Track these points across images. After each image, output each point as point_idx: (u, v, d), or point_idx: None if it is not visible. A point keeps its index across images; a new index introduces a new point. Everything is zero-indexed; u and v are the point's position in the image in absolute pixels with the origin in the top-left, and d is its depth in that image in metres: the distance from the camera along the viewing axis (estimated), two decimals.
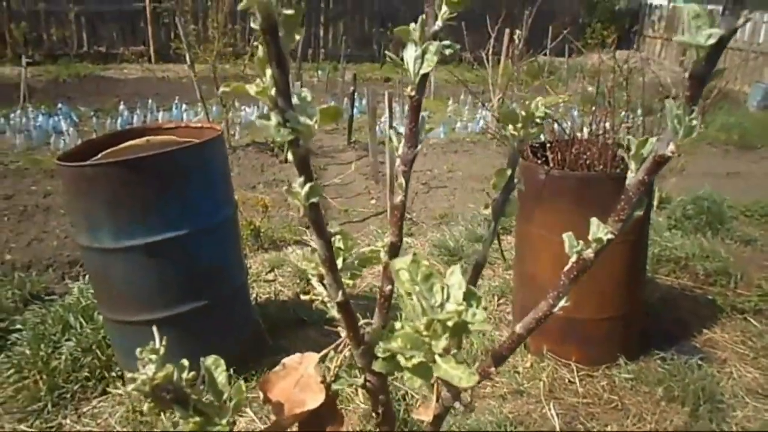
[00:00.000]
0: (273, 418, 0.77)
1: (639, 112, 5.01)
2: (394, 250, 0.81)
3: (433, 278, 0.56)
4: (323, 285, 0.72)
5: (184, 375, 0.63)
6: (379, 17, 12.89)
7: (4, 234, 4.41)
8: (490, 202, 0.83)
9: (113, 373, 2.76)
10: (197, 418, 0.62)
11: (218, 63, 6.70)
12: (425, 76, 0.70)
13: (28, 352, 2.80)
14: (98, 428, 2.52)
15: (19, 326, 3.02)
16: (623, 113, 3.22)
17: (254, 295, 3.40)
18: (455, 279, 0.56)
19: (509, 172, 0.80)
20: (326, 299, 0.72)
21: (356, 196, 5.31)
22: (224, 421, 0.63)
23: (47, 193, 5.25)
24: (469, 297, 0.55)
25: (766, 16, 11.50)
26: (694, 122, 0.56)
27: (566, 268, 0.72)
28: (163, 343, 0.63)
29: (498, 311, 3.33)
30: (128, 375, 0.63)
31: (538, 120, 0.75)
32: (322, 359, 0.80)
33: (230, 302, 2.74)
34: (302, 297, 0.71)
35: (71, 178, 2.44)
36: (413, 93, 0.72)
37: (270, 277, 3.70)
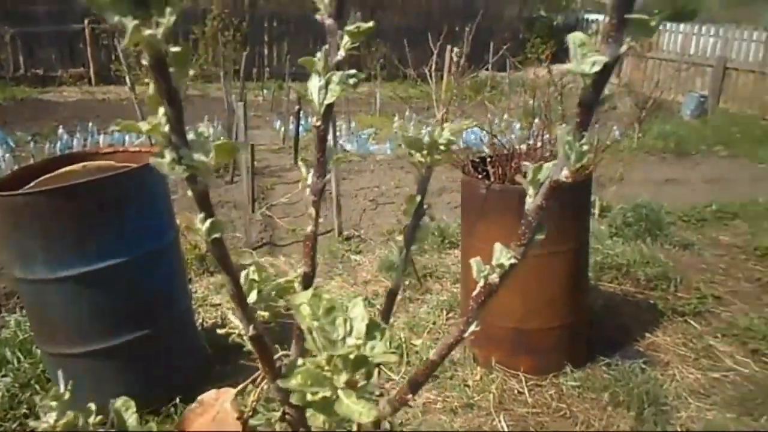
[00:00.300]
0: None
1: None
2: (307, 281, 0.80)
3: (336, 312, 0.55)
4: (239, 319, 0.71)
5: (91, 420, 0.61)
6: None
7: None
8: (402, 229, 0.83)
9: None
10: None
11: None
12: (330, 106, 0.70)
13: None
14: None
15: None
16: (561, 125, 3.29)
17: (200, 320, 3.33)
18: (358, 311, 0.56)
19: (419, 198, 0.81)
20: (242, 332, 0.71)
21: (303, 215, 5.27)
22: None
23: None
24: (373, 329, 0.55)
25: (696, 28, 12.00)
26: (585, 147, 0.57)
27: (474, 294, 0.73)
28: (69, 387, 0.61)
29: (447, 325, 3.35)
30: (30, 423, 0.61)
31: (442, 147, 0.75)
32: (240, 393, 0.79)
33: (174, 329, 2.68)
34: (218, 331, 0.69)
35: (2, 207, 2.36)
36: (319, 123, 0.72)
37: (216, 300, 3.63)
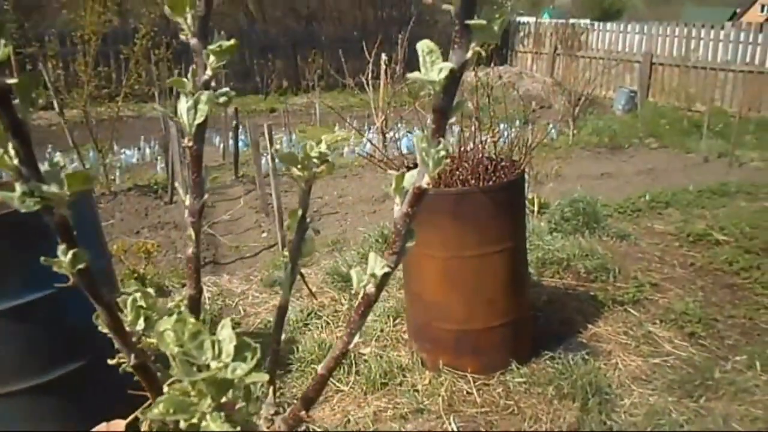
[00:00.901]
0: None
1: (516, 123, 5.25)
2: (194, 303, 0.79)
3: (202, 335, 0.55)
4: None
5: None
6: (259, 49, 12.82)
7: None
8: (287, 244, 0.83)
9: None
10: None
11: (92, 106, 6.44)
12: (202, 125, 0.70)
13: None
14: None
15: None
16: (497, 126, 3.35)
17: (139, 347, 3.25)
18: (226, 333, 0.55)
19: (300, 212, 0.81)
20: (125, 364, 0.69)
21: (246, 231, 5.21)
22: None
23: None
24: (243, 349, 0.54)
25: (623, 26, 12.41)
26: (442, 153, 0.58)
27: (356, 304, 0.73)
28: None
29: (394, 331, 3.35)
30: None
31: (316, 161, 0.75)
32: (131, 425, 0.76)
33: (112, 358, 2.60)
34: (109, 361, 0.67)
35: None
36: (191, 143, 0.71)
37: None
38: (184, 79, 0.67)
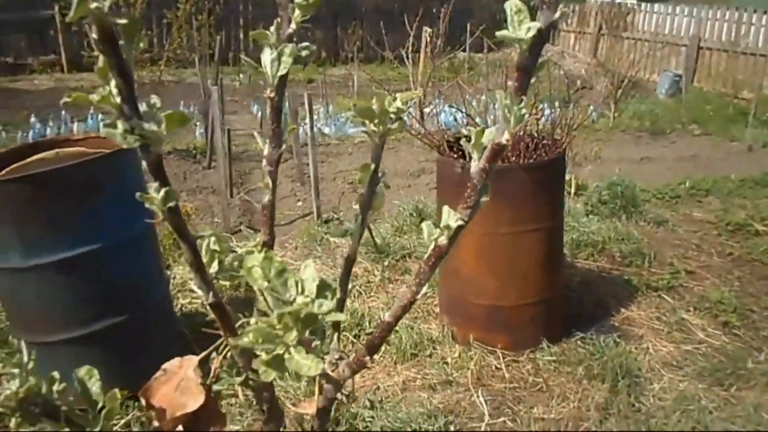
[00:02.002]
0: (155, 424, 0.77)
1: (557, 103, 5.19)
2: (267, 249, 0.81)
3: (287, 273, 0.57)
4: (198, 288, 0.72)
5: (55, 387, 0.62)
6: None
7: None
8: (357, 197, 0.85)
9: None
10: (67, 430, 0.61)
11: (134, 70, 6.52)
12: (284, 77, 0.71)
13: None
14: None
15: None
16: (539, 104, 3.33)
17: (179, 306, 3.34)
18: (309, 273, 0.57)
19: (373, 166, 0.82)
20: (204, 301, 0.72)
21: (282, 198, 5.27)
22: (96, 430, 0.63)
23: None
24: (324, 289, 0.56)
25: (670, 8, 12.08)
26: (523, 111, 0.59)
27: (425, 256, 0.75)
28: (32, 357, 0.62)
29: (425, 304, 3.38)
30: None
31: (392, 116, 0.77)
32: (203, 361, 0.80)
33: (151, 316, 2.68)
34: (181, 301, 0.70)
35: None
36: (273, 94, 0.73)
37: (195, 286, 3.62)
38: (268, 32, 0.69)
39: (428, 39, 6.68)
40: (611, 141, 7.06)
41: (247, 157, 6.48)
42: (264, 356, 0.53)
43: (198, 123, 7.16)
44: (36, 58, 11.66)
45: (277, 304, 0.54)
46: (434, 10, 9.85)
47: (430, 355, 2.97)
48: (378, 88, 7.31)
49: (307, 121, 4.60)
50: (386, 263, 3.82)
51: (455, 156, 2.96)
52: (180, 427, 0.77)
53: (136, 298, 2.59)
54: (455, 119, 6.16)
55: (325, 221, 4.59)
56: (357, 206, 0.85)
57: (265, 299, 0.55)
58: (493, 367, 2.89)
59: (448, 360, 2.93)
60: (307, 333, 0.54)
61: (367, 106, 0.76)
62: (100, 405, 0.66)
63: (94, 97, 0.55)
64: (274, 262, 0.57)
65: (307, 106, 4.34)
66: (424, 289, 0.73)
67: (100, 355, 2.51)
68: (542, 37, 0.55)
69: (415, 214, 4.47)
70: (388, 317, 0.74)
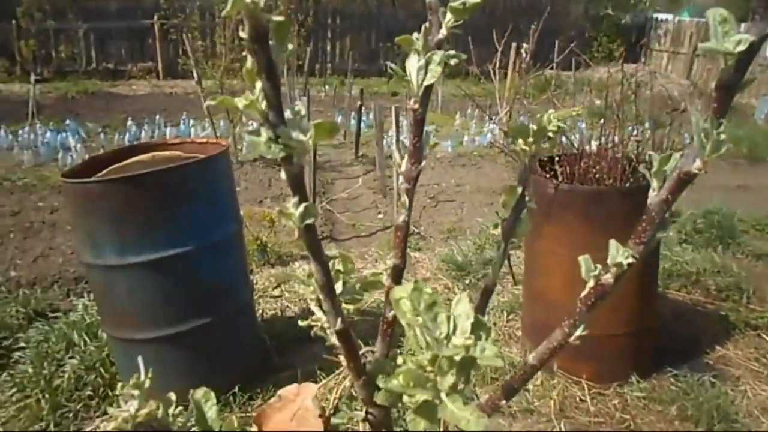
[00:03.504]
0: None
1: (647, 125, 4.97)
2: (398, 274, 0.76)
3: (437, 307, 0.52)
4: (322, 311, 0.68)
5: (171, 410, 0.59)
6: (386, 32, 12.92)
7: (10, 251, 4.40)
8: (500, 222, 0.79)
9: (116, 392, 2.72)
10: None
11: (226, 78, 6.72)
12: (429, 87, 0.67)
13: (30, 370, 2.76)
14: None
15: (22, 344, 2.99)
16: (631, 126, 3.18)
17: (260, 311, 3.36)
18: (462, 308, 0.52)
19: (520, 189, 0.76)
20: (325, 325, 0.68)
21: (363, 210, 5.28)
22: None
23: (54, 210, 5.25)
24: (478, 328, 0.51)
25: None
26: (723, 136, 0.52)
27: (583, 294, 0.68)
28: (149, 375, 0.59)
29: (507, 327, 3.28)
30: (110, 410, 0.59)
31: (550, 134, 0.71)
32: (321, 390, 0.76)
33: (235, 319, 2.70)
34: (300, 323, 0.67)
35: (75, 194, 2.42)
36: (416, 106, 0.69)
37: (276, 292, 3.66)
38: (414, 37, 0.65)
39: (520, 53, 6.56)
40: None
41: (330, 167, 6.55)
42: (407, 399, 0.48)
43: None
44: (135, 65, 12.24)
45: (430, 343, 0.49)
46: (522, 27, 9.71)
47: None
48: (461, 103, 7.24)
49: (392, 133, 4.59)
50: (467, 281, 3.73)
51: (547, 175, 2.86)
52: None
53: (222, 301, 2.61)
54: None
55: None
56: (497, 232, 0.79)
57: (415, 336, 0.50)
58: (578, 399, 2.76)
59: (530, 387, 2.81)
60: (464, 377, 0.49)
61: (523, 124, 0.70)
62: (216, 431, 0.63)
63: (240, 101, 0.52)
64: (424, 294, 0.52)
65: (393, 118, 4.33)
66: (579, 331, 0.66)
67: (184, 356, 2.55)
68: (753, 51, 0.49)
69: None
70: (532, 360, 0.68)
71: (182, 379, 2.59)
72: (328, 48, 13.17)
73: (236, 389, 2.62)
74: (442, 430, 0.63)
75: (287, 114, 0.52)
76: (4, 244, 4.54)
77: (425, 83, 0.66)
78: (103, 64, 12.27)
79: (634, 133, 3.12)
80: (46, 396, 2.66)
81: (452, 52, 0.66)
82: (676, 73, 12.99)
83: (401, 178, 0.71)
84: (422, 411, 0.49)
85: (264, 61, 0.48)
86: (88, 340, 2.92)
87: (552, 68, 9.36)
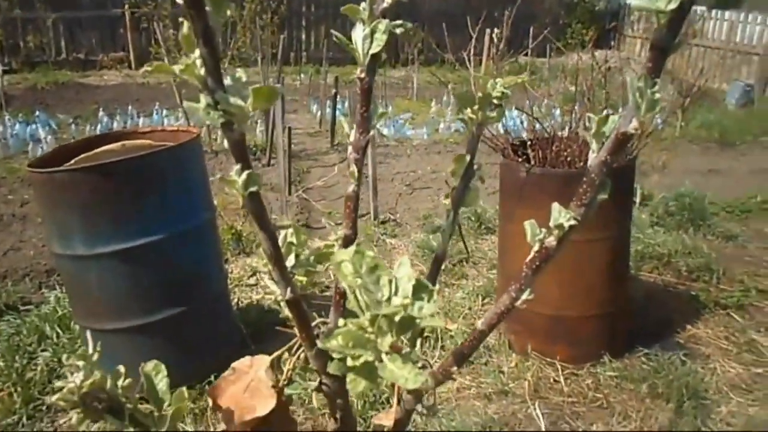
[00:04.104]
0: (222, 426, 0.73)
1: (620, 110, 5.01)
2: (348, 244, 0.77)
3: (380, 270, 0.52)
4: (274, 282, 0.68)
5: (120, 382, 0.59)
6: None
7: None
8: (450, 191, 0.79)
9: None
10: (131, 429, 0.58)
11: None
12: (376, 56, 0.67)
13: (1, 363, 2.74)
14: None
15: None
16: (603, 111, 3.21)
17: (236, 300, 3.35)
18: (404, 271, 0.52)
19: (468, 158, 0.77)
20: (279, 297, 0.68)
21: (339, 198, 5.26)
22: (162, 430, 0.59)
23: (24, 202, 5.17)
24: (420, 290, 0.51)
25: (743, 15, 11.61)
26: (657, 96, 0.53)
27: (528, 258, 0.69)
28: (97, 348, 0.59)
29: (483, 311, 3.30)
30: (56, 383, 0.59)
31: (495, 101, 0.71)
32: (275, 362, 0.76)
33: (210, 308, 2.69)
34: (253, 297, 0.66)
35: (43, 184, 2.39)
36: (363, 75, 0.68)
37: (252, 281, 3.64)
38: (360, 7, 0.64)
39: (492, 40, 6.57)
40: (677, 151, 6.80)
41: (305, 156, 6.52)
42: (351, 362, 0.49)
43: (259, 121, 7.25)
44: (106, 55, 12.04)
45: (373, 304, 0.49)
46: (497, 14, 9.73)
47: (485, 363, 2.89)
48: (437, 90, 7.24)
49: (344, 129, 4.57)
50: (443, 267, 3.75)
51: (519, 160, 2.88)
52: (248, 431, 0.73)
53: (196, 291, 2.60)
54: (521, 123, 6.04)
55: (381, 222, 4.55)
56: (448, 201, 0.80)
57: (356, 298, 0.51)
58: (552, 380, 2.79)
59: (504, 369, 2.85)
60: (403, 337, 0.49)
61: (467, 91, 0.71)
62: (166, 403, 0.62)
63: (177, 67, 0.52)
64: (366, 257, 0.52)
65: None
66: (525, 295, 0.67)
67: (158, 346, 2.54)
68: (683, 10, 0.49)
69: (473, 218, 4.38)
70: (481, 325, 0.69)
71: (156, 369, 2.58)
72: (303, 36, 13.08)
73: (212, 378, 2.62)
74: (396, 397, 0.64)
75: (227, 81, 0.52)
76: None
77: (371, 52, 0.66)
78: (73, 54, 12.04)
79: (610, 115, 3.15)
80: (19, 389, 2.63)
81: (398, 21, 0.66)
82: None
83: (350, 148, 0.72)
84: (362, 371, 0.49)
85: (201, 26, 0.47)
86: (60, 333, 2.90)
87: (527, 54, 9.40)
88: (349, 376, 0.50)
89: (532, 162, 2.87)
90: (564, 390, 2.73)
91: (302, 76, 10.99)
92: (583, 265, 2.72)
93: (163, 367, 0.66)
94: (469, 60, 7.06)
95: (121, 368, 0.62)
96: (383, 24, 0.64)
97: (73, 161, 2.56)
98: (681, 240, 4.00)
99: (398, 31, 0.65)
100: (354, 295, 0.51)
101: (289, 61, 11.62)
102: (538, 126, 3.09)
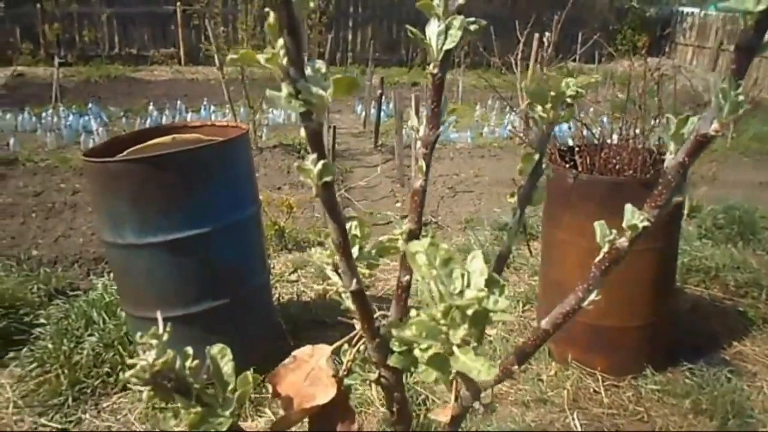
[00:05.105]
0: (282, 413, 0.74)
1: (666, 117, 4.90)
2: (413, 237, 0.77)
3: (453, 263, 0.52)
4: (338, 274, 0.69)
5: (188, 363, 0.60)
6: (407, 22, 12.87)
7: (32, 230, 4.46)
8: (516, 189, 0.79)
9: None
10: (198, 408, 0.59)
11: (247, 65, 6.72)
12: (449, 52, 0.67)
13: (50, 346, 2.81)
14: (117, 424, 2.53)
15: (42, 320, 3.04)
16: (654, 119, 3.15)
17: (277, 296, 3.39)
18: (477, 265, 0.52)
19: (537, 156, 0.76)
20: (341, 289, 0.69)
21: (381, 198, 5.28)
22: (227, 413, 0.60)
23: (75, 191, 5.32)
24: (492, 284, 0.51)
25: None
26: (741, 98, 0.52)
27: (598, 259, 0.68)
28: (167, 329, 0.60)
29: (523, 317, 3.28)
30: (129, 361, 0.60)
31: (569, 100, 0.71)
32: (335, 352, 0.77)
33: (251, 302, 2.72)
34: (314, 287, 0.67)
35: (97, 173, 2.45)
36: (436, 70, 0.69)
37: (293, 277, 3.68)
38: (435, 3, 0.65)
39: (540, 46, 6.51)
40: (728, 163, 6.63)
41: (349, 156, 6.56)
42: (420, 353, 0.49)
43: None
44: (157, 51, 12.32)
45: (448, 295, 0.49)
46: (545, 18, 9.62)
47: (524, 371, 2.86)
48: (482, 94, 7.19)
49: (411, 123, 4.57)
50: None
51: (566, 165, 2.84)
52: (305, 423, 0.74)
53: (239, 284, 2.64)
54: (569, 128, 5.95)
55: (423, 224, 4.55)
56: (514, 200, 0.79)
57: (429, 289, 0.51)
58: (591, 390, 2.75)
59: (544, 378, 2.81)
60: (475, 331, 0.49)
61: (540, 88, 0.71)
62: (231, 386, 0.64)
63: (262, 56, 0.53)
64: (440, 249, 0.53)
65: (413, 107, 4.32)
66: (593, 296, 0.67)
67: (201, 335, 2.57)
68: None
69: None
70: (545, 324, 0.68)
71: (199, 358, 2.62)
72: (350, 37, 13.15)
73: (251, 370, 2.65)
74: (453, 394, 0.64)
75: (308, 71, 0.53)
76: (27, 223, 4.61)
77: (445, 48, 0.66)
78: (125, 49, 12.36)
79: (657, 125, 3.09)
80: (65, 371, 2.71)
81: (472, 18, 0.67)
82: (700, 67, 12.81)
83: (419, 144, 0.72)
84: (434, 362, 0.49)
85: (286, 16, 0.48)
86: (107, 318, 2.96)
87: (575, 60, 9.28)
88: (421, 367, 0.50)
89: (580, 168, 2.83)
90: (604, 401, 2.69)
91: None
92: (628, 275, 2.67)
93: (228, 350, 0.68)
94: (516, 64, 7.01)
95: (189, 350, 0.63)
96: (458, 20, 0.64)
97: (125, 152, 2.63)
98: (729, 254, 3.89)
99: (472, 28, 0.66)
100: (427, 286, 0.51)
101: (334, 61, 11.70)
102: (586, 132, 3.05)
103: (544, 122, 0.73)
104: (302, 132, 0.56)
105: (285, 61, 0.51)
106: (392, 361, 0.54)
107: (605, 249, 0.67)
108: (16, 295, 3.22)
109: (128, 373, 0.56)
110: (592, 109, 6.61)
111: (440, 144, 7.12)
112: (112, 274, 3.49)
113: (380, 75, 8.22)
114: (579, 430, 2.52)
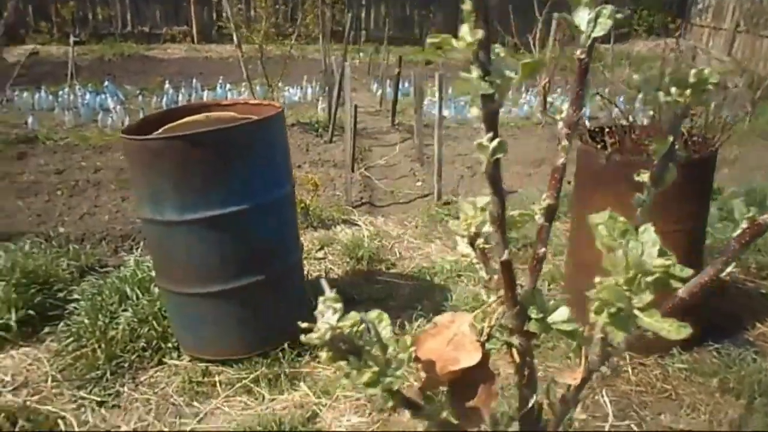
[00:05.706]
0: (423, 375, 0.78)
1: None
2: (551, 213, 0.81)
3: (629, 235, 0.55)
4: (471, 246, 0.72)
5: (356, 328, 0.64)
6: (421, 0, 12.82)
7: (58, 207, 4.51)
8: (650, 169, 0.82)
9: (169, 344, 2.81)
10: (375, 368, 0.62)
11: (265, 43, 6.74)
12: (595, 39, 0.69)
13: (86, 321, 2.86)
14: (156, 397, 2.58)
15: (76, 296, 3.08)
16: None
17: (305, 273, 3.43)
18: (648, 236, 0.55)
19: (671, 138, 0.79)
20: (474, 261, 0.72)
21: (401, 177, 5.31)
22: (398, 372, 0.64)
23: (97, 169, 5.36)
24: (663, 254, 0.54)
25: None
26: None
27: (737, 233, 0.72)
28: (333, 294, 0.64)
29: (548, 296, 3.31)
30: (303, 325, 0.64)
31: (710, 86, 0.73)
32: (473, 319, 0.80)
33: (286, 278, 2.77)
34: (448, 258, 0.69)
35: (137, 151, 2.48)
36: (583, 56, 0.71)
37: (320, 255, 3.72)
38: None
39: (559, 25, 6.49)
40: (748, 146, 6.62)
41: (366, 135, 6.57)
42: (594, 318, 0.52)
43: (321, 98, 7.32)
44: (169, 29, 12.28)
45: (640, 262, 0.52)
46: None
47: (552, 348, 2.90)
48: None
49: (429, 101, 4.59)
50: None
51: (598, 146, 2.86)
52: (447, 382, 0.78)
53: (274, 260, 2.68)
54: (600, 108, 5.95)
55: (444, 203, 4.58)
56: (644, 178, 0.82)
57: (613, 257, 0.54)
58: (619, 368, 2.79)
59: (571, 355, 2.85)
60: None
61: (683, 75, 0.73)
62: (391, 348, 0.67)
63: (458, 42, 0.56)
64: (618, 222, 0.56)
65: (437, 86, 4.33)
66: (730, 268, 0.70)
67: (238, 311, 2.63)
68: None
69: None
70: (682, 293, 0.72)
71: (235, 332, 2.68)
72: (363, 15, 13.08)
73: (285, 346, 2.70)
74: (582, 358, 0.67)
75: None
76: (52, 201, 4.66)
77: (594, 35, 0.68)
78: (138, 27, 12.34)
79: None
80: (102, 346, 2.76)
81: (617, 8, 0.69)
82: (716, 49, 12.70)
83: (561, 124, 0.75)
84: (619, 322, 0.53)
85: (482, 5, 0.51)
86: (140, 294, 3.00)
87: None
88: (609, 327, 0.54)
89: (609, 149, 2.85)
90: (631, 379, 2.73)
91: (361, 54, 11.02)
92: None
93: (385, 315, 0.71)
94: (534, 43, 6.99)
95: (356, 315, 0.66)
96: (608, 10, 0.67)
97: (162, 130, 2.65)
98: None
99: (619, 16, 0.68)
100: (611, 255, 0.55)
101: (349, 39, 11.64)
102: (615, 111, 3.06)
103: (679, 107, 0.76)
104: (319, 109, 0.59)
105: (476, 45, 0.54)
106: (531, 327, 0.57)
107: (744, 225, 0.70)
108: (49, 271, 3.26)
109: (313, 335, 0.60)
110: (607, 90, 6.58)
111: (457, 123, 7.12)
112: (144, 250, 3.54)
113: (394, 53, 8.19)
114: (607, 406, 2.56)
